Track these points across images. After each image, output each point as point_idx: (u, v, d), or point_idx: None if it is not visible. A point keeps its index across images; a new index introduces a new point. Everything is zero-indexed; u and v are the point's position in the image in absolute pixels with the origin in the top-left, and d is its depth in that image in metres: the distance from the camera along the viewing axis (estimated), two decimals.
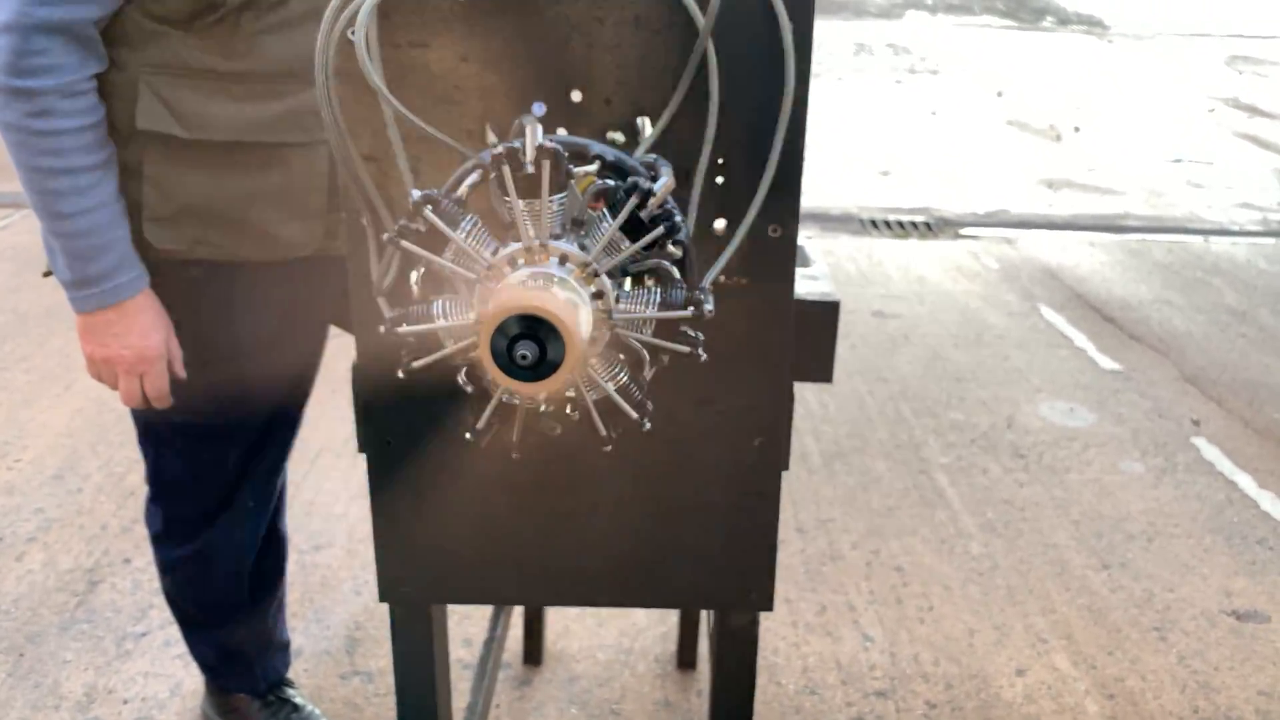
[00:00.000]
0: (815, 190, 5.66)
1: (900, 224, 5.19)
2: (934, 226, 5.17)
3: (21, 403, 3.15)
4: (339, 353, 1.61)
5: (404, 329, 0.77)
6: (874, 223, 5.20)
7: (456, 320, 0.77)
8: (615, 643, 2.25)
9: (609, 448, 0.82)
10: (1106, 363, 3.69)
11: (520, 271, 0.75)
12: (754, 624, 1.13)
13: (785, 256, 0.96)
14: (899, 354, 3.71)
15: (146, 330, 1.37)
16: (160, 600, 2.22)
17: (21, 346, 3.49)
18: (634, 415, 0.81)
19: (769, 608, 1.08)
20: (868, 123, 7.26)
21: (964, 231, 5.12)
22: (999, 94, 8.21)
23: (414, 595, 1.07)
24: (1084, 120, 7.46)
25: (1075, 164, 6.37)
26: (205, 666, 1.84)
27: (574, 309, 0.72)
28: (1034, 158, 6.48)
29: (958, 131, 7.07)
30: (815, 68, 8.85)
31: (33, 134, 1.24)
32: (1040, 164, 6.35)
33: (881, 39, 10.55)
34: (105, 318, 1.35)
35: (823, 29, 10.87)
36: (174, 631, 2.19)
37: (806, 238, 1.21)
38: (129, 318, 1.35)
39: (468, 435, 0.81)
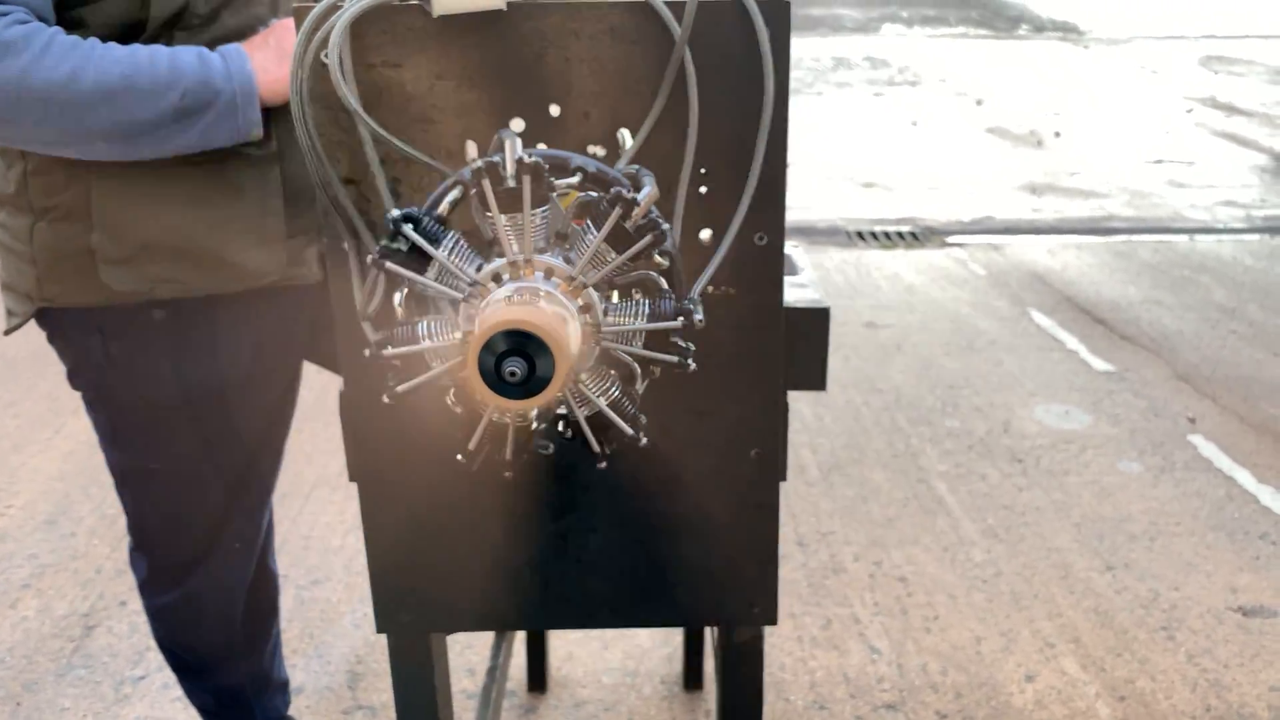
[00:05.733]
0: (800, 204, 5.68)
1: (887, 235, 5.20)
2: (920, 236, 5.18)
3: (11, 449, 3.12)
4: (332, 386, 1.59)
5: (389, 351, 0.75)
6: (860, 234, 5.21)
7: (442, 340, 0.76)
8: (620, 665, 2.23)
9: (604, 464, 0.81)
10: (1099, 364, 3.69)
11: (505, 287, 0.74)
12: (759, 638, 1.11)
13: (773, 264, 0.95)
14: (892, 364, 3.71)
15: (284, 25, 1.28)
16: None
17: (10, 391, 3.46)
18: (628, 430, 0.80)
19: (773, 621, 1.06)
20: (849, 135, 7.29)
21: (950, 239, 5.13)
22: (979, 103, 8.26)
23: (411, 624, 1.05)
24: (1064, 125, 7.50)
25: (1058, 169, 6.40)
26: (204, 712, 1.80)
27: (561, 322, 0.71)
28: (1016, 164, 6.51)
29: (939, 141, 7.10)
30: (795, 84, 8.90)
31: (30, 79, 1.11)
32: (1023, 170, 6.38)
33: (860, 53, 10.62)
34: (261, 58, 1.23)
35: (801, 45, 10.95)
36: (172, 674, 2.16)
37: (793, 246, 1.20)
38: (274, 40, 1.25)
39: (459, 457, 0.80)
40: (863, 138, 7.22)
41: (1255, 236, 5.15)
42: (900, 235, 5.19)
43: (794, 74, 9.43)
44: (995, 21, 12.75)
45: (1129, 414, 3.32)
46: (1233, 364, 3.68)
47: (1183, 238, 5.13)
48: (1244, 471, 2.99)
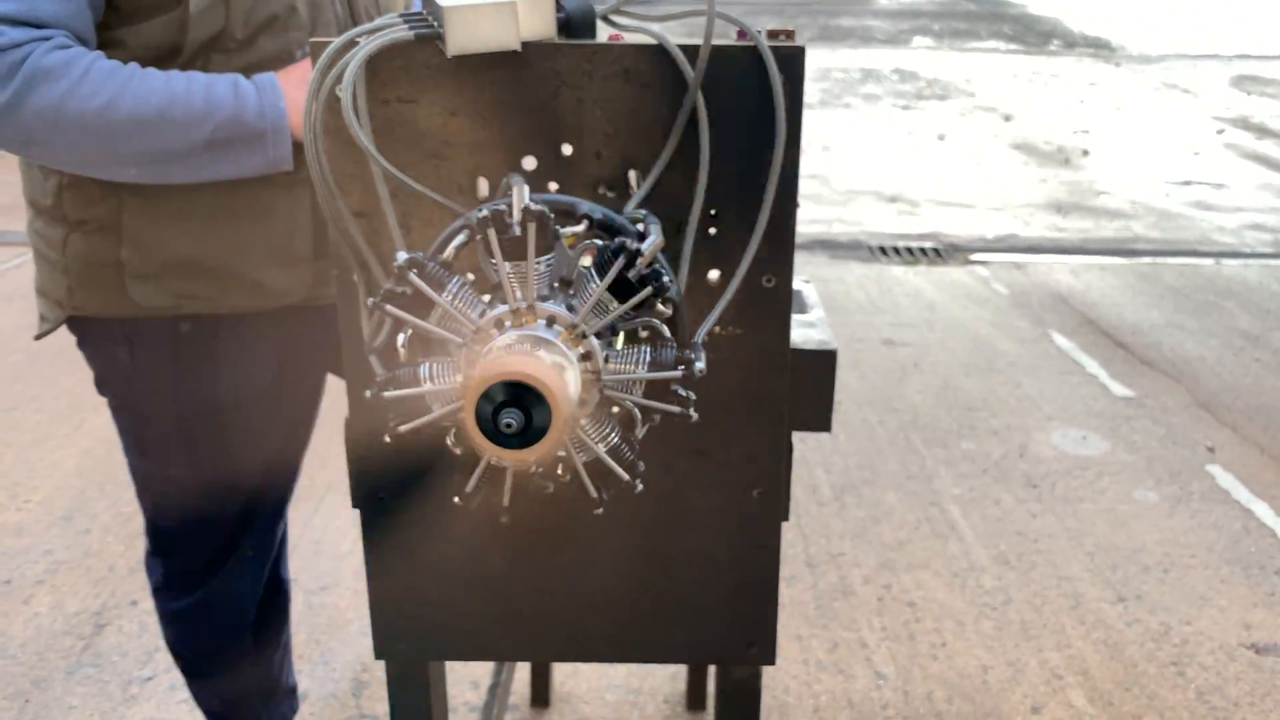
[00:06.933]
0: (824, 217, 5.66)
1: (909, 250, 5.18)
2: (943, 252, 5.16)
3: (31, 443, 3.16)
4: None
5: (390, 394, 0.76)
6: (883, 249, 5.19)
7: (444, 384, 0.76)
8: (624, 683, 2.23)
9: (600, 510, 0.81)
10: (1119, 389, 3.66)
11: (507, 334, 0.74)
12: (756, 676, 1.11)
13: (780, 306, 0.95)
14: (909, 382, 3.69)
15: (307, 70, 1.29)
16: None
17: (32, 386, 3.50)
18: (625, 477, 0.80)
19: (771, 661, 1.06)
20: (876, 149, 7.26)
21: (973, 257, 5.11)
22: (1007, 118, 8.21)
23: (410, 652, 1.06)
24: (1093, 143, 7.44)
25: (1084, 188, 6.36)
26: (211, 716, 1.82)
27: (560, 373, 0.71)
28: (1043, 182, 6.47)
29: (966, 156, 7.07)
30: (822, 95, 8.89)
31: (67, 106, 1.14)
32: (1049, 188, 6.34)
33: (889, 65, 10.58)
34: (296, 95, 1.24)
35: (830, 56, 10.92)
36: (179, 676, 2.18)
37: (803, 282, 1.20)
38: (295, 78, 1.27)
39: (456, 500, 0.80)
40: (889, 151, 7.19)
41: None
42: (923, 251, 5.17)
43: (822, 85, 9.42)
44: (1027, 36, 12.68)
45: (1147, 441, 3.29)
46: (1254, 393, 3.64)
47: (1208, 261, 5.08)
48: (1262, 504, 2.95)
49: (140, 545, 2.65)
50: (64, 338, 1.49)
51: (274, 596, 1.78)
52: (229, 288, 1.38)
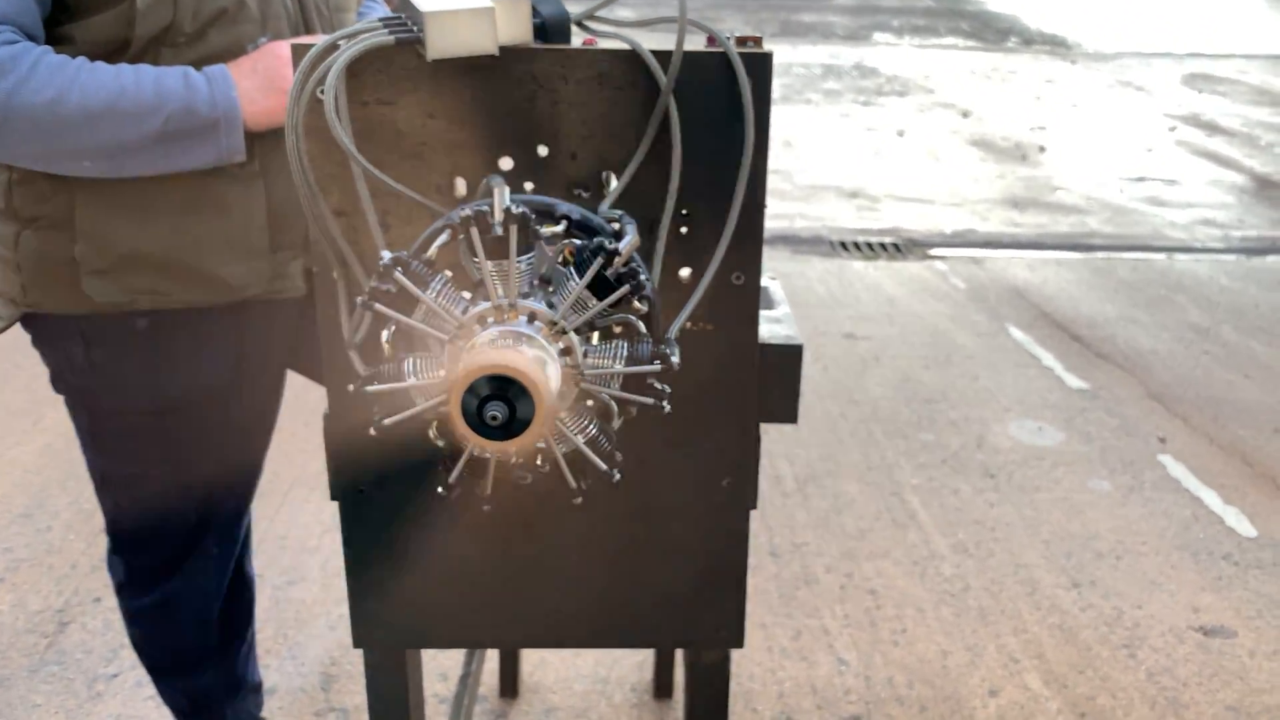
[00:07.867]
0: (785, 213, 5.72)
1: (870, 245, 5.25)
2: (903, 247, 5.23)
3: None
4: (310, 386, 1.60)
5: (375, 388, 0.78)
6: (844, 244, 5.26)
7: (427, 378, 0.79)
8: (591, 673, 2.26)
9: (579, 500, 0.84)
10: (1074, 381, 3.74)
11: (489, 330, 0.77)
12: (725, 660, 1.14)
13: (749, 302, 0.98)
14: (870, 375, 3.75)
15: (271, 52, 1.29)
16: None
17: None
18: (603, 467, 0.83)
19: (739, 644, 1.09)
20: (837, 144, 7.33)
21: (932, 252, 5.18)
22: (965, 115, 8.32)
23: (388, 640, 1.08)
24: (1049, 140, 7.57)
25: (1041, 184, 6.47)
26: (177, 712, 1.83)
27: (542, 367, 0.74)
28: (1000, 178, 6.58)
29: (925, 152, 7.16)
30: (784, 90, 8.94)
31: (15, 101, 1.14)
32: (1006, 184, 6.44)
33: (849, 61, 10.67)
34: (247, 86, 1.24)
35: (791, 52, 10.99)
36: (145, 673, 2.18)
37: (769, 279, 1.23)
38: (262, 67, 1.26)
39: (440, 490, 0.83)
40: (849, 147, 7.27)
41: (1232, 257, 5.23)
42: (883, 246, 5.24)
43: (783, 80, 9.48)
44: (985, 33, 12.83)
45: (1101, 432, 3.38)
46: (1204, 385, 3.74)
47: (1161, 256, 5.20)
48: (1211, 492, 3.04)
49: (102, 542, 2.63)
50: (19, 333, 1.48)
51: (239, 592, 1.78)
52: (185, 282, 1.37)
